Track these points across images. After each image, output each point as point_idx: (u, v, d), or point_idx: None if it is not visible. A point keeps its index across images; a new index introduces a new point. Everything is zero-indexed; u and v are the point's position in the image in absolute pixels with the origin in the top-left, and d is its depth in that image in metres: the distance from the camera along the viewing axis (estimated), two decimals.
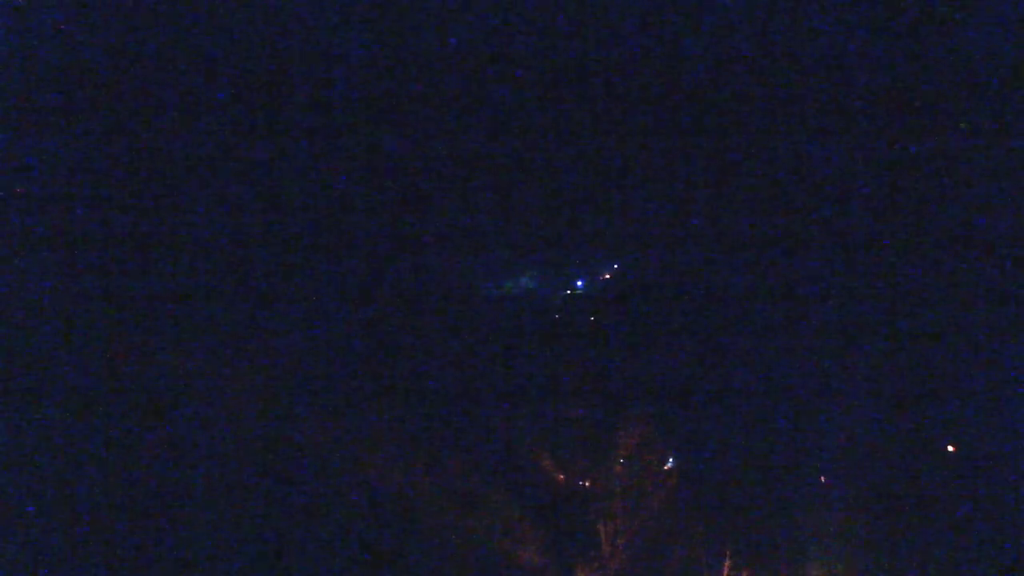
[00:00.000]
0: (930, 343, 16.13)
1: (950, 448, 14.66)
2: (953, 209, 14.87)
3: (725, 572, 15.50)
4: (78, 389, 11.27)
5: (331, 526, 13.79)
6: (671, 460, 15.78)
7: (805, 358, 15.61)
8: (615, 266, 16.95)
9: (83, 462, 10.82)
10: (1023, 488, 14.34)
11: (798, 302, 16.33)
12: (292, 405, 14.16)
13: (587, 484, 15.97)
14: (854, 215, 15.79)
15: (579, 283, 16.92)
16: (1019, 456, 14.46)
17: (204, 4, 11.02)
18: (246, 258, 13.13)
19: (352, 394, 14.88)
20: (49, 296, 11.21)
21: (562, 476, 16.08)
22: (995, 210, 14.61)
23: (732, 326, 15.85)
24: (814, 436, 15.70)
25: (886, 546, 15.32)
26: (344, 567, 13.43)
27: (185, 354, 13.14)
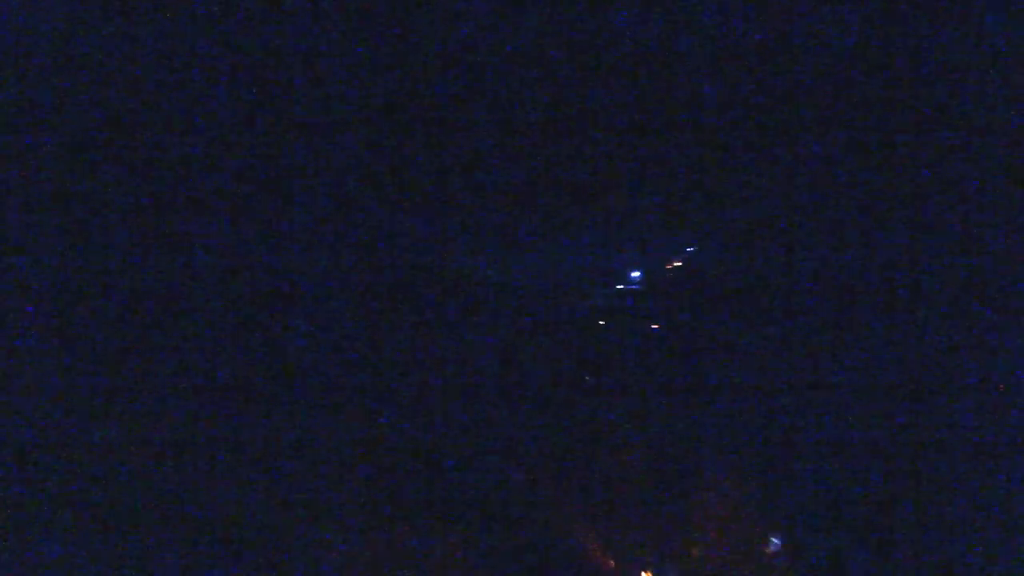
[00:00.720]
0: None
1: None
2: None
3: None
4: (78, 387, 10.44)
5: None
6: (775, 541, 10.30)
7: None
8: (689, 250, 10.81)
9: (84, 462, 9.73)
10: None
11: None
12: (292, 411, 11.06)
13: None
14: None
15: (635, 275, 11.15)
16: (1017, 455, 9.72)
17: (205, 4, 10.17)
18: (252, 253, 11.23)
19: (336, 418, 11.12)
20: (48, 296, 10.48)
21: (612, 562, 10.79)
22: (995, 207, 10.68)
23: (858, 350, 10.27)
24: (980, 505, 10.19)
25: None
26: None
27: (188, 352, 11.39)
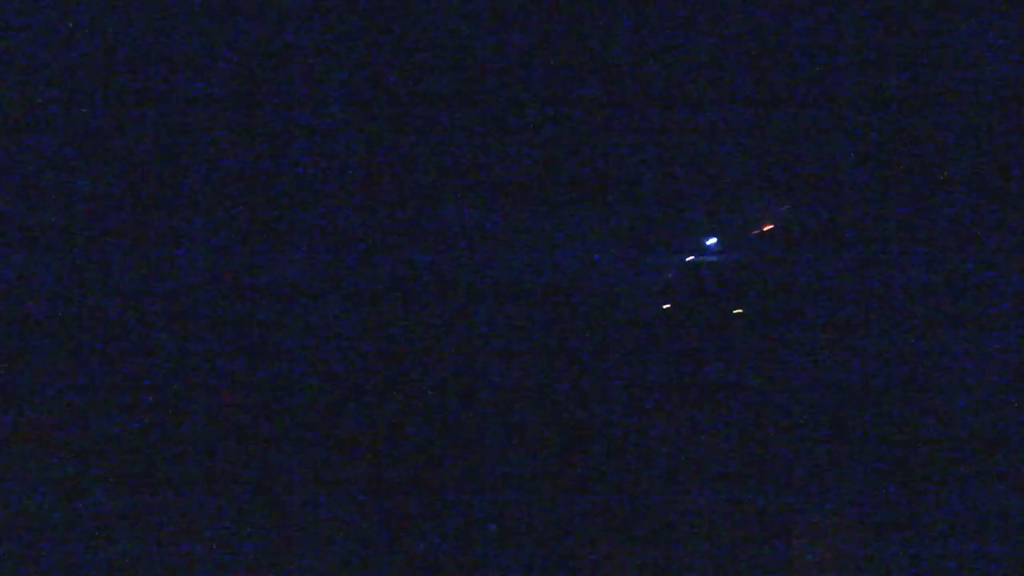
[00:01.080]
0: None
1: None
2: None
3: None
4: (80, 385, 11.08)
5: None
6: None
7: None
8: (784, 208, 7.99)
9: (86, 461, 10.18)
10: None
11: None
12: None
13: None
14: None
15: (710, 242, 8.32)
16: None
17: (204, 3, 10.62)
18: (273, 249, 11.71)
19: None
20: (49, 294, 11.10)
21: None
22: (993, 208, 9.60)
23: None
24: None
25: None
26: None
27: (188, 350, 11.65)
